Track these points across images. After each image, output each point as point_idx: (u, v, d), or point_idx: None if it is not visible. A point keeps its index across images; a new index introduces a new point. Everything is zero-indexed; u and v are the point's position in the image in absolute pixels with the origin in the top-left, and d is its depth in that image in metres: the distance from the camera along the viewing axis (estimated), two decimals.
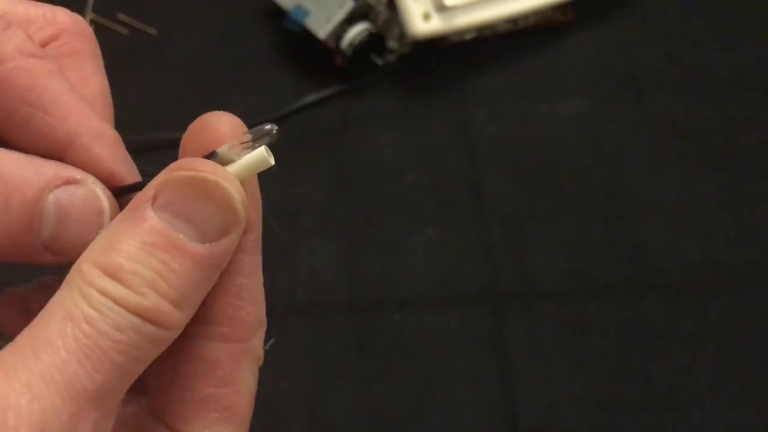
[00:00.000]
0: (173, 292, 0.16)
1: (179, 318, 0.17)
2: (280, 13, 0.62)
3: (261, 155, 0.19)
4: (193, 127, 0.19)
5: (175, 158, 0.19)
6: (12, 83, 0.18)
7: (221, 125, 0.19)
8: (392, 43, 0.62)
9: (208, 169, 0.17)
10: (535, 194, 0.57)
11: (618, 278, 0.53)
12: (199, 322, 0.19)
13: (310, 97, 0.61)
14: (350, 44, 0.59)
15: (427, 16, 0.58)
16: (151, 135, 0.55)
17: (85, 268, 0.16)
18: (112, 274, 0.16)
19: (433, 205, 0.57)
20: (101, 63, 0.22)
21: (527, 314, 0.52)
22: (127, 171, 0.20)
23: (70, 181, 0.19)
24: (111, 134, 0.20)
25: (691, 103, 0.61)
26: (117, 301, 0.16)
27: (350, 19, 0.59)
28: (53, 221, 0.18)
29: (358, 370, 0.50)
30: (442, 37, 0.61)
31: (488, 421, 0.48)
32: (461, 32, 0.62)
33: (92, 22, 0.66)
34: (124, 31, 0.66)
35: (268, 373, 0.53)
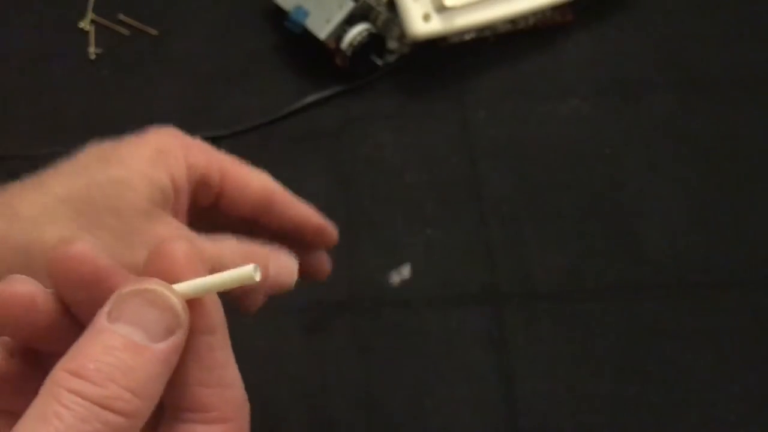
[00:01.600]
0: (132, 383, 0.19)
1: (137, 406, 0.19)
2: (280, 13, 0.62)
3: (248, 272, 0.22)
4: (152, 254, 0.22)
5: None
6: None
7: (177, 254, 0.22)
8: (392, 44, 0.62)
9: (152, 282, 0.21)
10: (534, 194, 0.57)
11: (618, 278, 0.54)
12: (193, 411, 0.22)
13: (311, 98, 0.61)
14: (350, 45, 0.59)
15: (426, 17, 0.58)
16: None
17: (57, 374, 0.19)
18: (78, 374, 0.19)
19: (433, 205, 0.57)
20: None
21: (527, 314, 0.52)
22: None
23: (276, 252, 0.37)
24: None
25: (690, 104, 0.61)
26: (82, 396, 0.18)
27: (350, 20, 0.60)
28: (274, 272, 0.36)
29: (358, 370, 0.50)
30: (441, 38, 0.61)
31: (488, 421, 0.48)
32: (461, 33, 0.62)
33: (93, 22, 0.66)
34: (125, 31, 0.66)
35: (268, 373, 0.53)
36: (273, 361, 0.51)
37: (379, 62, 0.61)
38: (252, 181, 0.36)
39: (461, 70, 0.63)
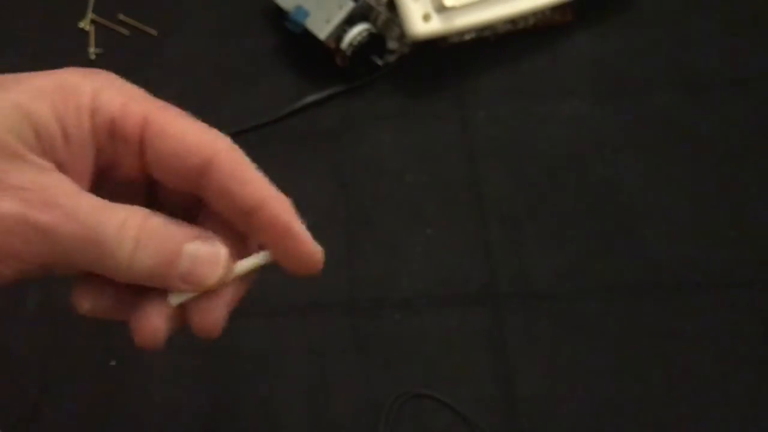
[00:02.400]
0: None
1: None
2: (280, 13, 0.62)
3: (266, 257, 0.28)
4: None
5: None
6: (226, 166, 0.27)
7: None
8: (392, 44, 0.62)
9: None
10: (534, 194, 0.57)
11: (617, 278, 0.54)
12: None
13: (311, 97, 0.61)
14: (350, 45, 0.59)
15: (426, 17, 0.58)
16: None
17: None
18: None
19: (432, 205, 0.57)
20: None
21: (526, 314, 0.52)
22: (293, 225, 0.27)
23: (203, 238, 0.27)
24: (285, 199, 0.27)
25: (689, 104, 0.61)
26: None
27: (350, 20, 0.60)
28: (190, 262, 0.26)
29: (358, 370, 0.50)
30: (441, 38, 0.61)
31: (488, 421, 0.48)
32: (461, 33, 0.62)
33: (93, 22, 0.66)
34: (124, 31, 0.66)
35: (268, 373, 0.53)
36: (273, 361, 0.51)
37: (379, 62, 0.61)
38: (186, 136, 0.27)
39: (461, 70, 0.63)
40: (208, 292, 0.27)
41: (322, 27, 0.59)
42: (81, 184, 0.26)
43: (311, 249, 0.28)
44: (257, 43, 0.64)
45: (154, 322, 0.28)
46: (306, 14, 0.60)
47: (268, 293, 0.53)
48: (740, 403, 0.49)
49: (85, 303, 0.27)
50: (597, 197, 0.57)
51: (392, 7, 0.60)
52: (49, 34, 0.66)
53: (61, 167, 0.26)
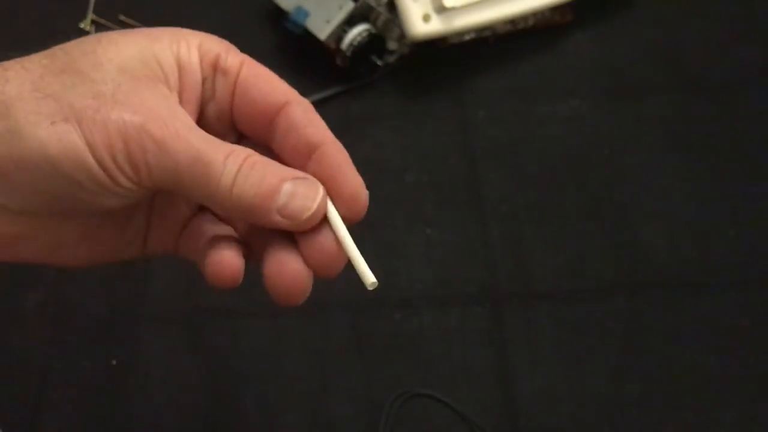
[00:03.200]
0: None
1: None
2: (280, 14, 0.62)
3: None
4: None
5: None
6: (297, 109, 0.30)
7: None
8: (392, 44, 0.62)
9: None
10: (534, 194, 0.57)
11: (617, 278, 0.54)
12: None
13: (311, 98, 0.61)
14: (350, 45, 0.59)
15: (426, 18, 0.58)
16: None
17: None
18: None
19: (433, 205, 0.57)
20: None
21: (526, 314, 0.52)
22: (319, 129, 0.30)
23: (301, 177, 0.28)
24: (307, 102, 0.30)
25: (689, 104, 0.61)
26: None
27: (350, 20, 0.60)
28: (288, 196, 0.28)
29: (358, 370, 0.50)
30: (441, 38, 0.61)
31: (488, 421, 0.48)
32: (461, 33, 0.62)
33: (93, 22, 0.67)
34: None
35: (268, 373, 0.53)
36: (273, 361, 0.51)
37: (379, 62, 0.61)
38: (273, 80, 0.31)
39: (461, 70, 0.63)
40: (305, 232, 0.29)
41: (322, 27, 0.59)
42: (191, 115, 0.29)
43: (359, 188, 0.30)
44: (257, 43, 0.64)
45: (228, 257, 0.30)
46: (306, 15, 0.60)
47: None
48: (740, 403, 0.49)
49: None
50: (597, 197, 0.57)
51: (392, 7, 0.60)
52: (49, 34, 0.66)
53: (178, 96, 0.29)
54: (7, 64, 0.27)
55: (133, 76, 0.27)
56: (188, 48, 0.29)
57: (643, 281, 0.53)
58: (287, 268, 0.29)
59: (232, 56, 0.30)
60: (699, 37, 0.64)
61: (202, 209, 0.32)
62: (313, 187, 0.29)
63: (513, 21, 0.63)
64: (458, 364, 0.51)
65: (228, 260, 0.29)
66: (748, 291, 0.53)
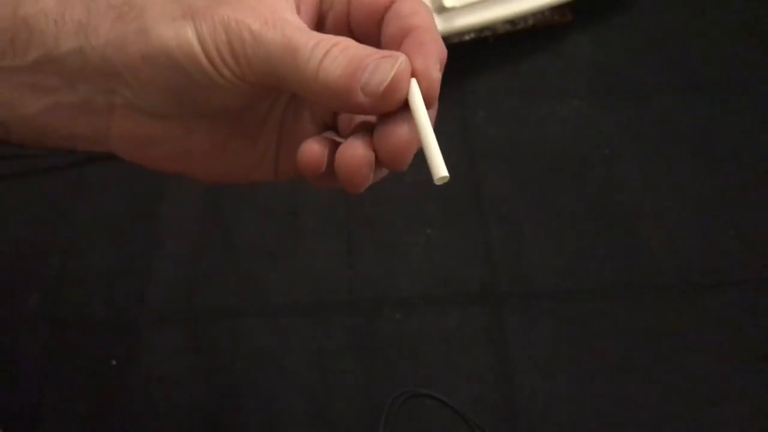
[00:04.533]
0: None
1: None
2: None
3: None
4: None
5: None
6: (402, 5, 0.30)
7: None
8: None
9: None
10: (534, 194, 0.57)
11: (616, 278, 0.54)
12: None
13: None
14: None
15: None
16: None
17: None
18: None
19: (432, 205, 0.57)
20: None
21: (526, 314, 0.52)
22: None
23: (386, 56, 0.28)
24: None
25: (689, 104, 0.61)
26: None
27: None
28: (370, 72, 0.28)
29: (358, 370, 0.50)
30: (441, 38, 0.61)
31: (488, 421, 0.48)
32: (460, 33, 0.62)
33: None
34: None
35: (268, 373, 0.53)
36: (273, 361, 0.51)
37: None
38: None
39: (461, 70, 0.63)
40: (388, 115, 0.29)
41: None
42: (307, 25, 0.30)
43: (431, 69, 0.30)
44: None
45: (314, 147, 0.30)
46: None
47: (268, 293, 0.53)
48: (740, 403, 0.49)
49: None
50: (597, 197, 0.57)
51: None
52: None
53: (296, 10, 0.30)
54: None
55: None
56: None
57: (643, 281, 0.53)
58: (349, 152, 0.29)
59: None
60: (699, 37, 0.64)
61: (327, 127, 0.33)
62: (392, 59, 0.28)
63: (513, 21, 0.63)
64: (458, 364, 0.51)
65: (310, 146, 0.30)
66: (748, 291, 0.53)
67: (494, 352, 0.51)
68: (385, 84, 0.28)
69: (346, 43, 0.28)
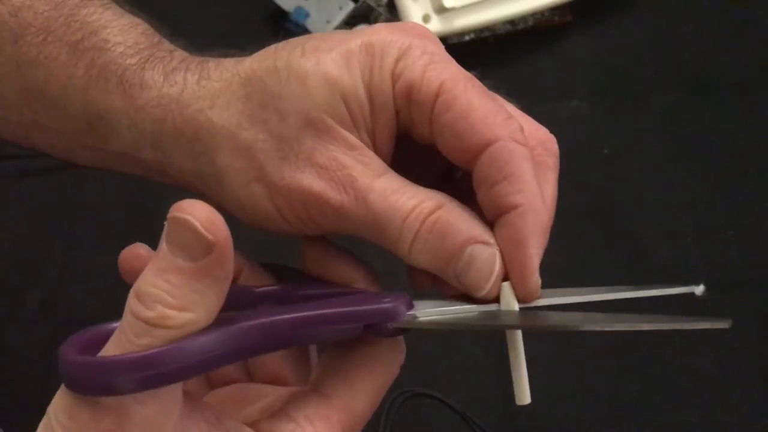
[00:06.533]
0: (175, 301, 0.22)
1: (187, 318, 0.22)
2: (281, 14, 0.62)
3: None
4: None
5: None
6: (496, 157, 0.27)
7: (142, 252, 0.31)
8: None
9: (182, 207, 0.22)
10: None
11: (617, 278, 0.53)
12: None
13: None
14: None
15: (426, 18, 0.58)
16: None
17: (130, 294, 0.23)
18: (138, 297, 0.22)
19: None
20: (556, 176, 0.31)
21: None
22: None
23: (484, 242, 0.27)
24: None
25: (689, 104, 0.61)
26: (136, 316, 0.22)
27: (350, 21, 0.60)
28: (463, 267, 0.27)
29: None
30: (441, 39, 0.61)
31: (488, 421, 0.48)
32: (460, 34, 0.62)
33: None
34: None
35: None
36: None
37: None
38: (471, 114, 0.27)
39: None
40: None
41: (322, 28, 0.59)
42: (383, 149, 0.28)
43: (528, 275, 0.30)
44: (258, 45, 0.64)
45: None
46: (306, 15, 0.60)
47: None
48: (740, 403, 0.49)
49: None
50: (596, 197, 0.57)
51: (392, 8, 0.60)
52: None
53: (368, 133, 0.28)
54: (210, 67, 0.32)
55: (318, 130, 0.27)
56: (381, 77, 0.27)
57: (643, 281, 0.53)
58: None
59: (428, 82, 0.27)
60: (699, 37, 0.64)
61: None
62: (489, 263, 0.27)
63: (512, 21, 0.63)
64: (458, 364, 0.51)
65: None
66: (748, 291, 0.53)
67: (494, 352, 0.51)
68: (481, 293, 0.28)
69: (439, 214, 0.27)
